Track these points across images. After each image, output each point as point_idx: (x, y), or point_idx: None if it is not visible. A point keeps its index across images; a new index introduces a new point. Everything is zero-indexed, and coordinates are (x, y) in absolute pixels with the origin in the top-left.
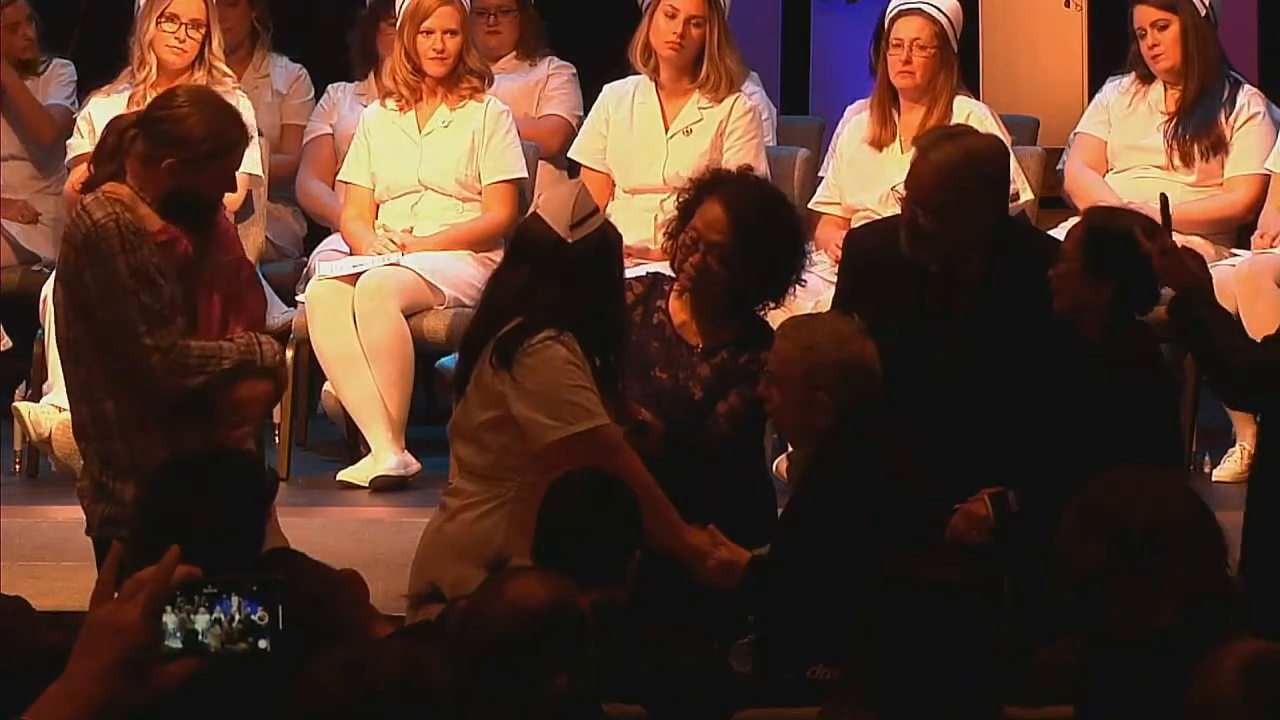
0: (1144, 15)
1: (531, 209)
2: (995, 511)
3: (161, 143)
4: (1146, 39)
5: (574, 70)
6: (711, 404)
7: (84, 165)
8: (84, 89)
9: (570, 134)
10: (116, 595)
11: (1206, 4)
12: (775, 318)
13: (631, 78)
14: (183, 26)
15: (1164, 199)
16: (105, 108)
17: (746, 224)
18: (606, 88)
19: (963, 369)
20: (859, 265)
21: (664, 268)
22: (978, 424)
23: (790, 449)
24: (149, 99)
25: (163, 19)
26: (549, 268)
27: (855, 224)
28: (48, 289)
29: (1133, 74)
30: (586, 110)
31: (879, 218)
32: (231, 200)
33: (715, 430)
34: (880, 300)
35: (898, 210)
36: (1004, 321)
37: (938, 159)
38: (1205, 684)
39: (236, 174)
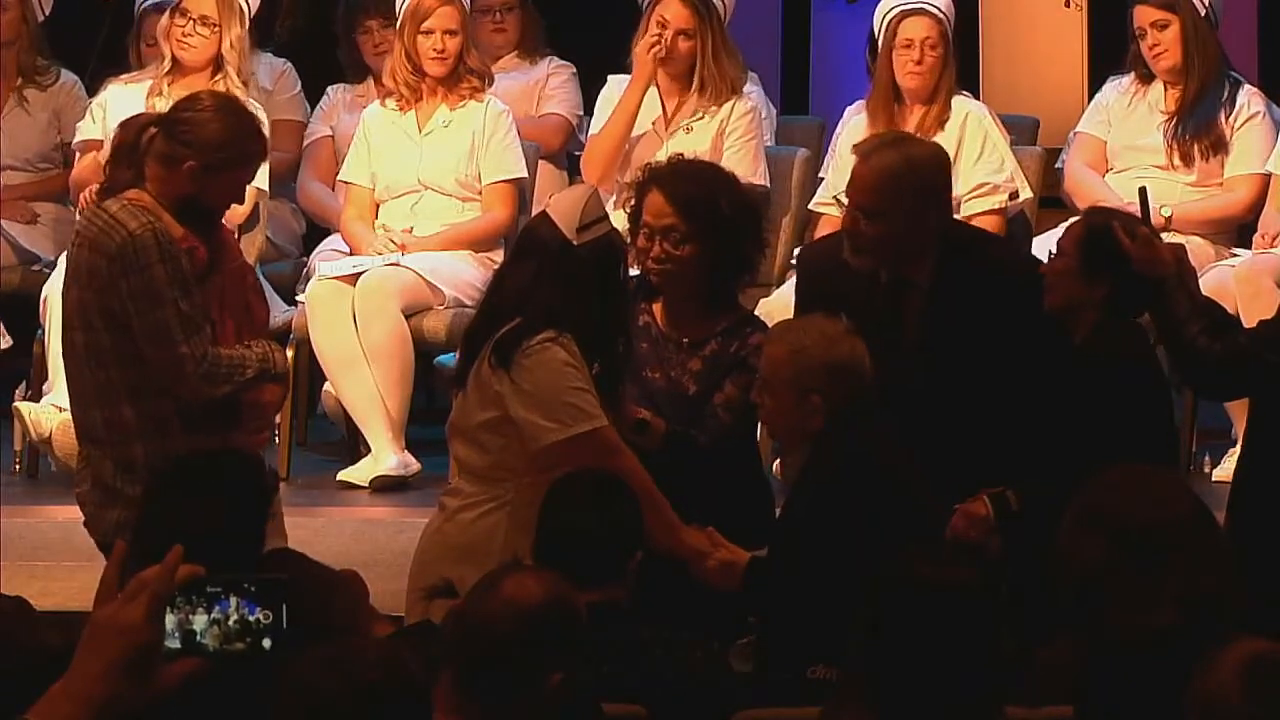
0: (1144, 15)
1: (541, 208)
2: (995, 511)
3: (181, 144)
4: (1147, 39)
5: (574, 70)
6: (706, 397)
7: (92, 154)
8: (97, 80)
9: (570, 133)
10: (119, 595)
11: (1206, 4)
12: (770, 317)
13: None
14: (191, 21)
15: (1142, 191)
16: (121, 96)
17: (688, 200)
18: (612, 77)
19: (921, 378)
20: (814, 278)
21: None
22: (941, 431)
23: None
24: (164, 92)
25: (175, 12)
26: (552, 268)
27: None
28: (48, 289)
29: (1132, 74)
30: (587, 109)
31: (830, 232)
32: (238, 214)
33: (714, 422)
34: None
35: None
36: (957, 328)
37: (877, 164)
38: (1206, 683)
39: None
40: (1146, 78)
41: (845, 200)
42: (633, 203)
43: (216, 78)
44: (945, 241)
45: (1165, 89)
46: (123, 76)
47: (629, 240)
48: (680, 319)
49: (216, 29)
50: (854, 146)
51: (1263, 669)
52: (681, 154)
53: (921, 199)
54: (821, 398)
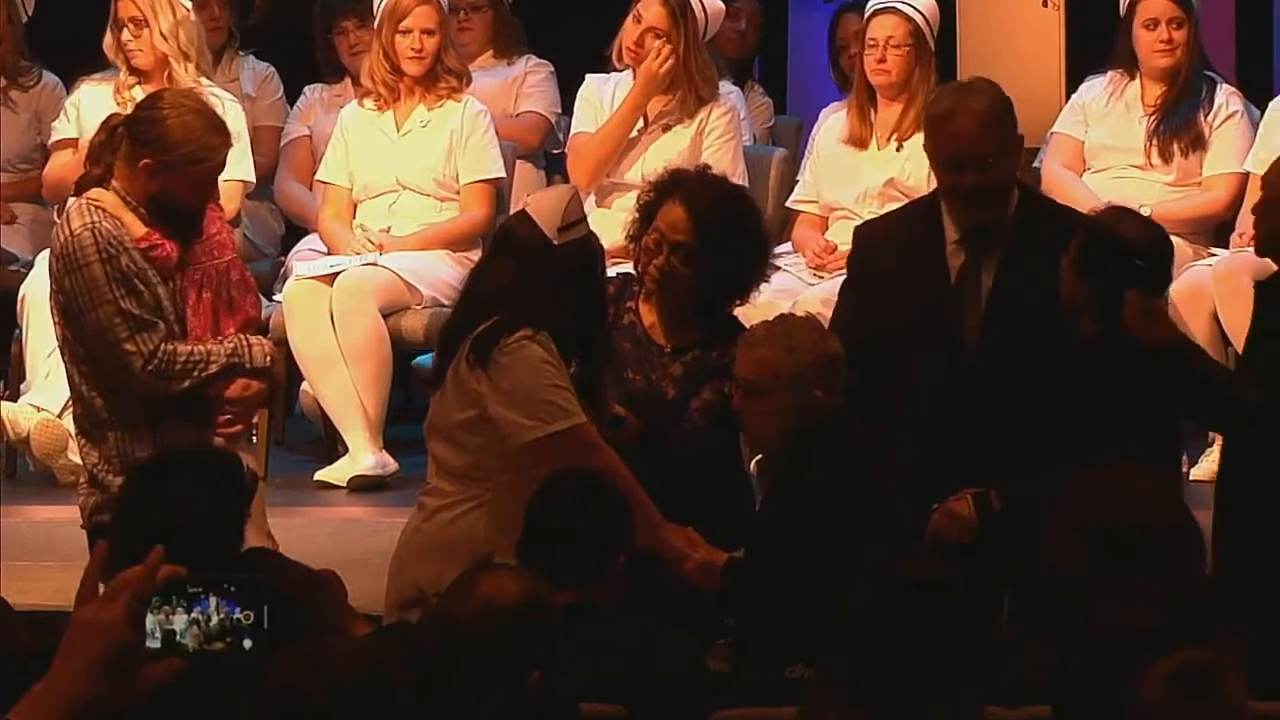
0: (1164, 9)
1: (520, 206)
2: (977, 511)
3: (139, 143)
4: (1159, 30)
5: (552, 68)
6: (685, 402)
7: (67, 151)
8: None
9: (548, 132)
10: (100, 595)
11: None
12: (747, 319)
13: (614, 73)
14: (124, 28)
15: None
16: (93, 95)
17: (709, 222)
18: (589, 77)
19: (988, 351)
20: (873, 254)
21: None
22: (995, 408)
23: None
24: (124, 92)
25: (112, 29)
26: (533, 268)
27: (833, 223)
28: (25, 289)
29: (1110, 73)
30: (565, 108)
31: (891, 210)
32: (228, 210)
33: (690, 427)
34: (899, 285)
35: (873, 209)
36: (1031, 277)
37: (974, 111)
38: (1139, 695)
39: (220, 181)
40: (1130, 71)
41: (935, 169)
42: (648, 198)
43: (166, 73)
44: (1019, 187)
45: (1143, 86)
46: (94, 75)
47: (631, 235)
48: (667, 324)
49: (145, 25)
50: (929, 113)
51: (1187, 677)
52: (709, 166)
53: (1014, 127)
54: (825, 393)
